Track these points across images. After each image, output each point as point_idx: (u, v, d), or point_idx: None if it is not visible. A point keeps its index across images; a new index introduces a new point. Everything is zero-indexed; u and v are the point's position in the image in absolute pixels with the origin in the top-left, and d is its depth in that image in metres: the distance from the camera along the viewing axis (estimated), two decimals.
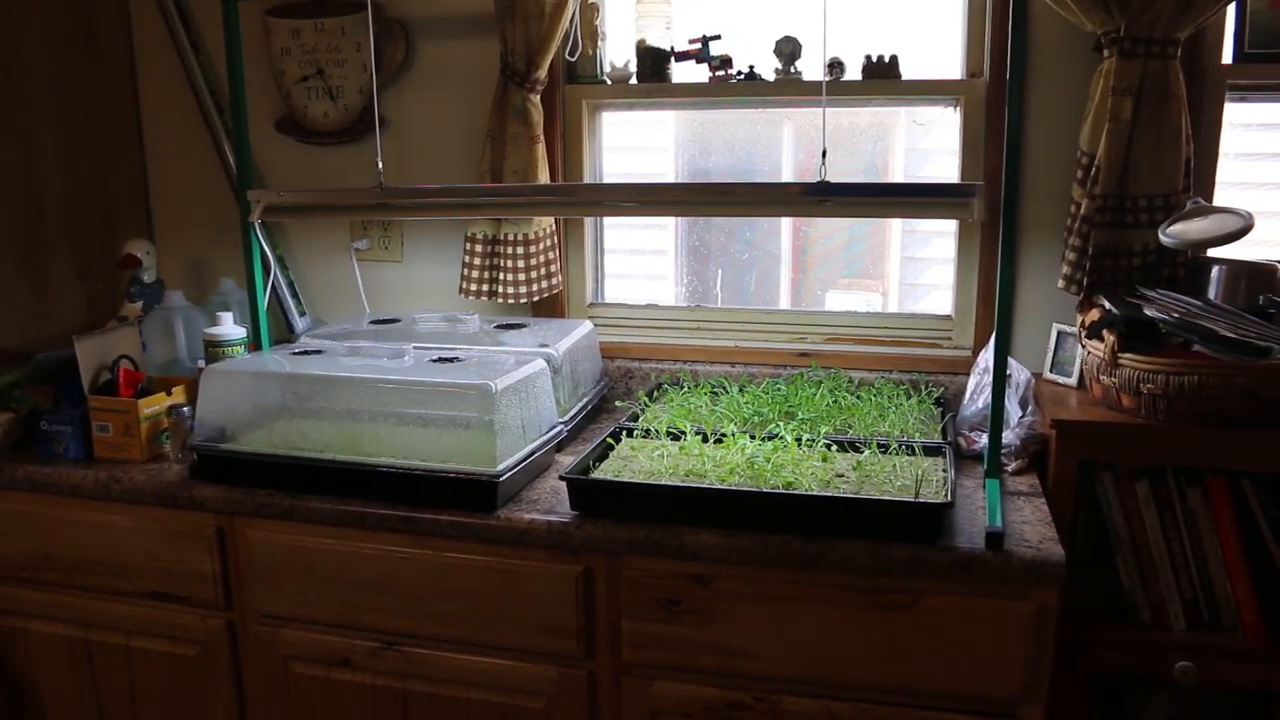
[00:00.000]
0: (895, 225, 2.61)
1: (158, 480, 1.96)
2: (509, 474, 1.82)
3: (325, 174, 2.62)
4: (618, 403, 2.37)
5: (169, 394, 2.11)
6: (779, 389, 2.23)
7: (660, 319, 2.55)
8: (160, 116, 2.73)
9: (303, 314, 2.66)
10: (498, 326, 2.30)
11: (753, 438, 1.90)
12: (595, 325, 2.45)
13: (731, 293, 2.63)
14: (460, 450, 1.83)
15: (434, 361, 2.01)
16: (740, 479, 1.77)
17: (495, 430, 1.81)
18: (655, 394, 2.33)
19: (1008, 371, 2.01)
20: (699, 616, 1.73)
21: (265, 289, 2.30)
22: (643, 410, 2.20)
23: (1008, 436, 1.98)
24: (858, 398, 2.18)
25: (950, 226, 2.40)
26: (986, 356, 2.12)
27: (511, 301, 2.42)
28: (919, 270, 2.57)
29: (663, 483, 1.76)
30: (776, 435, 1.91)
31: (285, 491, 1.90)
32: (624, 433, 2.03)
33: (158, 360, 2.39)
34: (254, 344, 2.29)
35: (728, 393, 2.24)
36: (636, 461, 1.89)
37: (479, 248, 2.41)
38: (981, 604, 1.63)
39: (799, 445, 1.89)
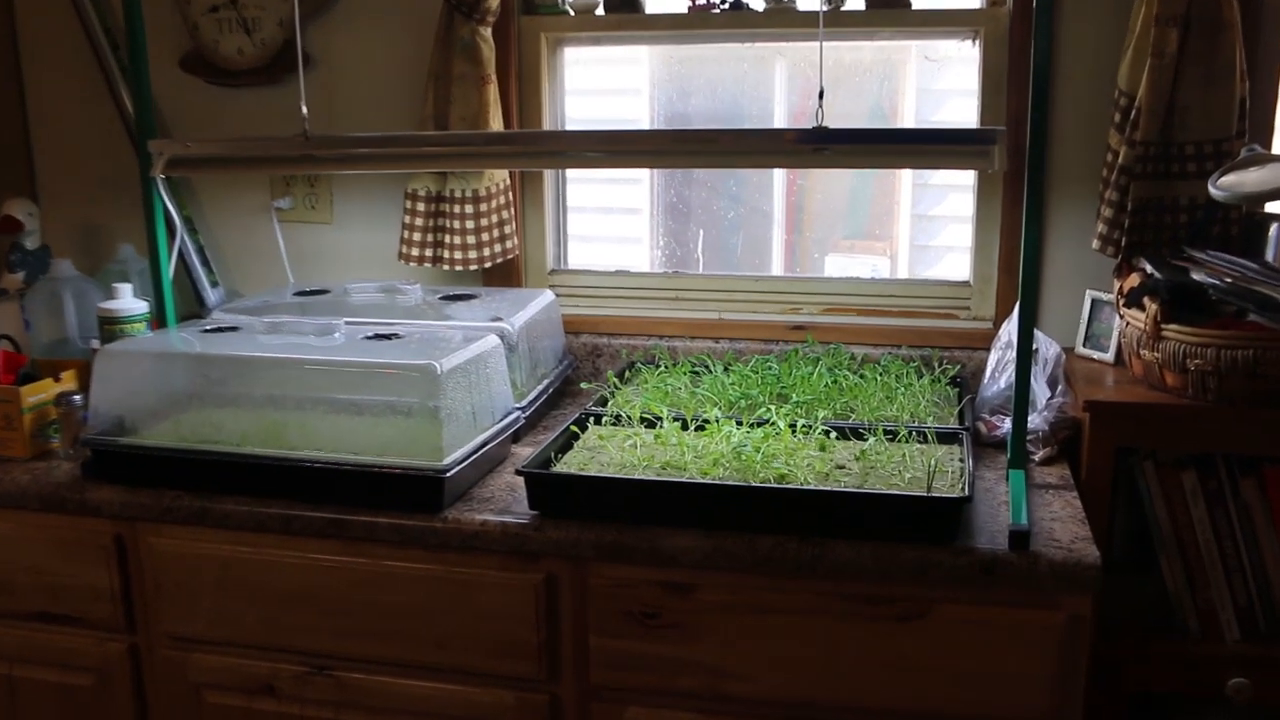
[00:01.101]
0: (905, 179, 2.62)
1: (44, 481, 1.95)
2: (457, 469, 1.81)
3: (240, 121, 2.60)
4: (584, 385, 2.37)
5: (57, 380, 2.09)
6: (770, 368, 2.23)
7: (633, 288, 2.55)
8: (42, 54, 2.69)
9: (215, 285, 2.64)
10: (444, 298, 2.30)
11: (740, 424, 1.91)
12: (557, 295, 2.45)
13: (715, 257, 2.63)
14: (400, 442, 1.83)
15: (369, 339, 2.00)
16: (725, 472, 1.77)
17: (441, 418, 1.81)
18: (627, 374, 2.33)
19: (1034, 346, 2.02)
20: (678, 631, 1.74)
21: (171, 256, 2.29)
22: (612, 393, 2.20)
23: (1034, 421, 1.99)
24: (861, 377, 2.19)
25: (968, 179, 2.41)
26: (1010, 329, 2.13)
27: (459, 269, 2.42)
28: (932, 230, 2.57)
29: (635, 477, 1.76)
30: (767, 421, 1.91)
31: (196, 492, 1.90)
32: (591, 419, 2.03)
33: (44, 340, 2.37)
34: (157, 320, 2.27)
35: (711, 372, 2.25)
36: (605, 453, 1.89)
37: (421, 206, 2.41)
38: (1004, 614, 1.64)
39: (793, 432, 1.89)
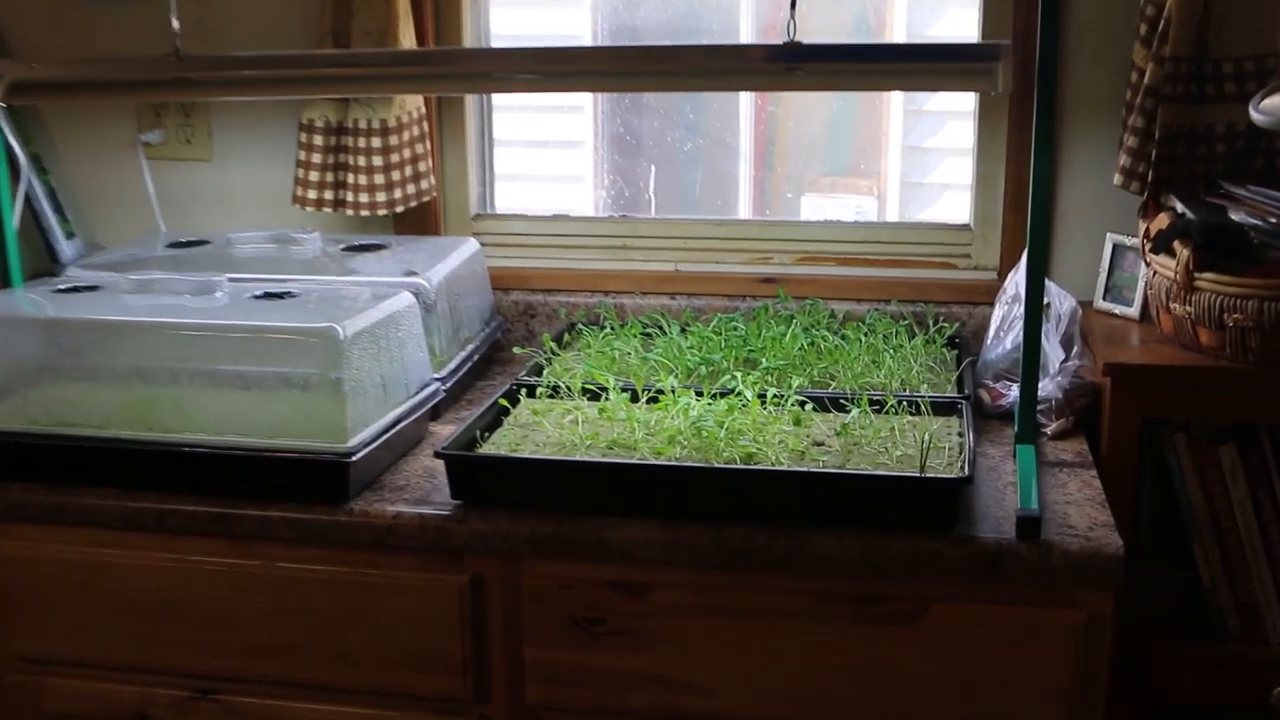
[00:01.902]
0: (895, 104, 2.62)
1: None
2: (364, 451, 1.81)
3: (98, 38, 2.57)
4: (515, 350, 2.36)
5: None
6: (735, 328, 2.24)
7: (573, 235, 2.54)
8: None
9: (70, 236, 2.61)
10: (348, 249, 2.30)
11: (700, 395, 1.91)
12: (483, 245, 2.44)
13: (670, 199, 2.63)
14: (296, 421, 1.82)
15: (258, 298, 1.99)
16: (683, 451, 1.77)
17: (344, 392, 1.80)
18: (566, 338, 2.33)
19: (1045, 300, 2.02)
20: (629, 639, 1.74)
21: (15, 202, 2.26)
22: (549, 360, 2.19)
23: (1046, 387, 2.00)
24: (843, 338, 2.19)
25: (968, 104, 2.41)
26: (1017, 280, 2.14)
27: (366, 214, 2.41)
28: (927, 164, 2.58)
29: (577, 458, 1.76)
30: (732, 391, 1.92)
31: (50, 484, 1.88)
32: (524, 391, 2.03)
33: None
34: None
35: (665, 334, 2.24)
36: (541, 430, 1.89)
37: (318, 140, 2.39)
38: (1011, 615, 1.65)
39: (763, 404, 1.89)
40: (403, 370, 1.97)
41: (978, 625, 1.65)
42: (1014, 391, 2.02)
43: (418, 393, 2.00)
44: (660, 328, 2.30)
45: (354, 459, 1.79)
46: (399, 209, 2.43)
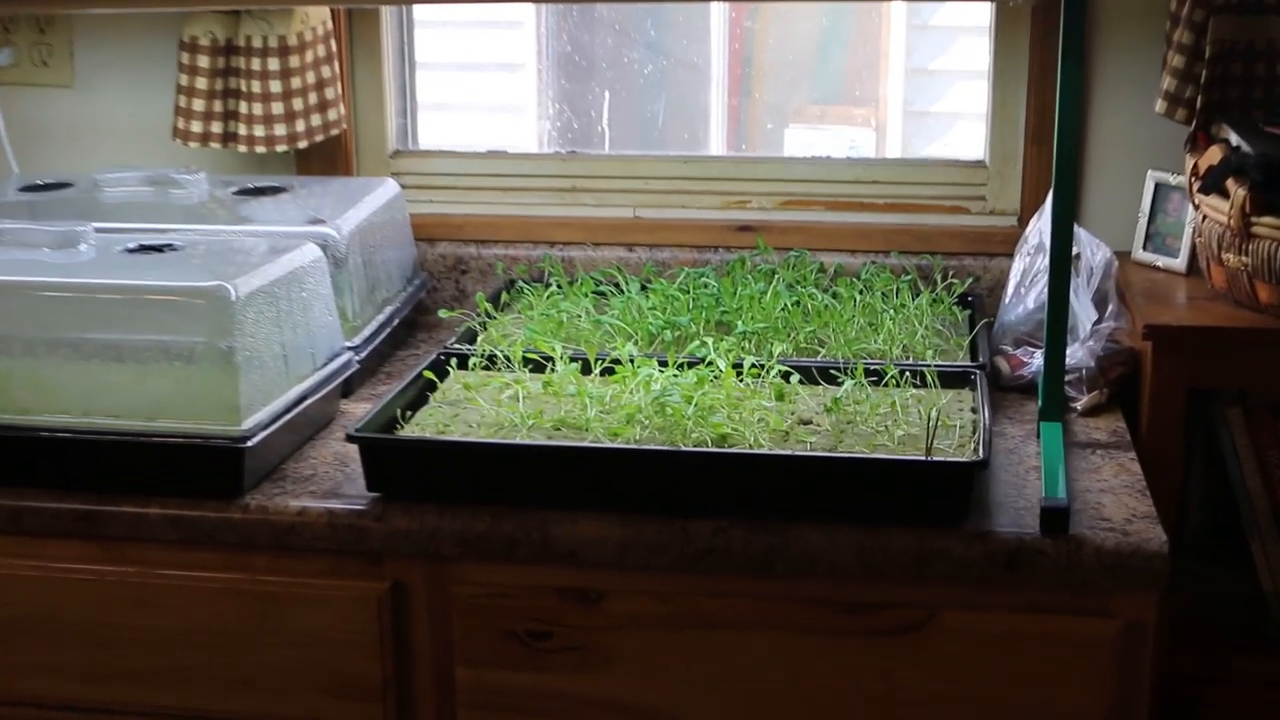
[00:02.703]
0: (896, 18, 2.61)
1: None
2: (262, 435, 1.80)
3: None
4: (443, 313, 2.33)
5: None
6: (706, 286, 2.23)
7: (512, 175, 2.54)
8: None
9: None
10: (240, 192, 2.29)
11: (664, 365, 1.90)
12: (404, 187, 2.43)
13: (629, 131, 2.62)
14: (179, 399, 1.81)
15: (131, 252, 1.98)
16: (644, 432, 1.76)
17: (237, 364, 1.79)
18: (505, 298, 2.32)
19: (1075, 250, 2.03)
20: (581, 657, 1.74)
21: None
22: (484, 325, 2.19)
23: (1076, 354, 2.00)
24: (834, 297, 2.19)
25: (982, 16, 2.41)
26: (1041, 227, 2.14)
27: (262, 150, 2.40)
28: (934, 90, 2.58)
29: (517, 441, 1.75)
30: (702, 360, 1.91)
31: None
32: (453, 362, 2.02)
33: None
34: None
35: (622, 293, 2.25)
36: (474, 409, 1.88)
37: (203, 61, 2.37)
38: (1034, 624, 1.65)
39: (739, 376, 1.89)
40: (308, 338, 1.96)
41: (994, 637, 1.66)
42: (1037, 359, 2.02)
43: (326, 364, 2.00)
44: (616, 285, 2.30)
45: (249, 444, 1.78)
46: (301, 144, 2.42)
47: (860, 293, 2.20)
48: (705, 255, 2.41)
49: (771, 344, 2.02)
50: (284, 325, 1.90)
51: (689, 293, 2.21)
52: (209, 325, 1.80)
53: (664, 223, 2.46)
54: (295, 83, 2.38)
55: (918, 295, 2.22)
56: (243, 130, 2.39)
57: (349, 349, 2.07)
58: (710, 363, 1.89)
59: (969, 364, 1.98)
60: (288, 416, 1.87)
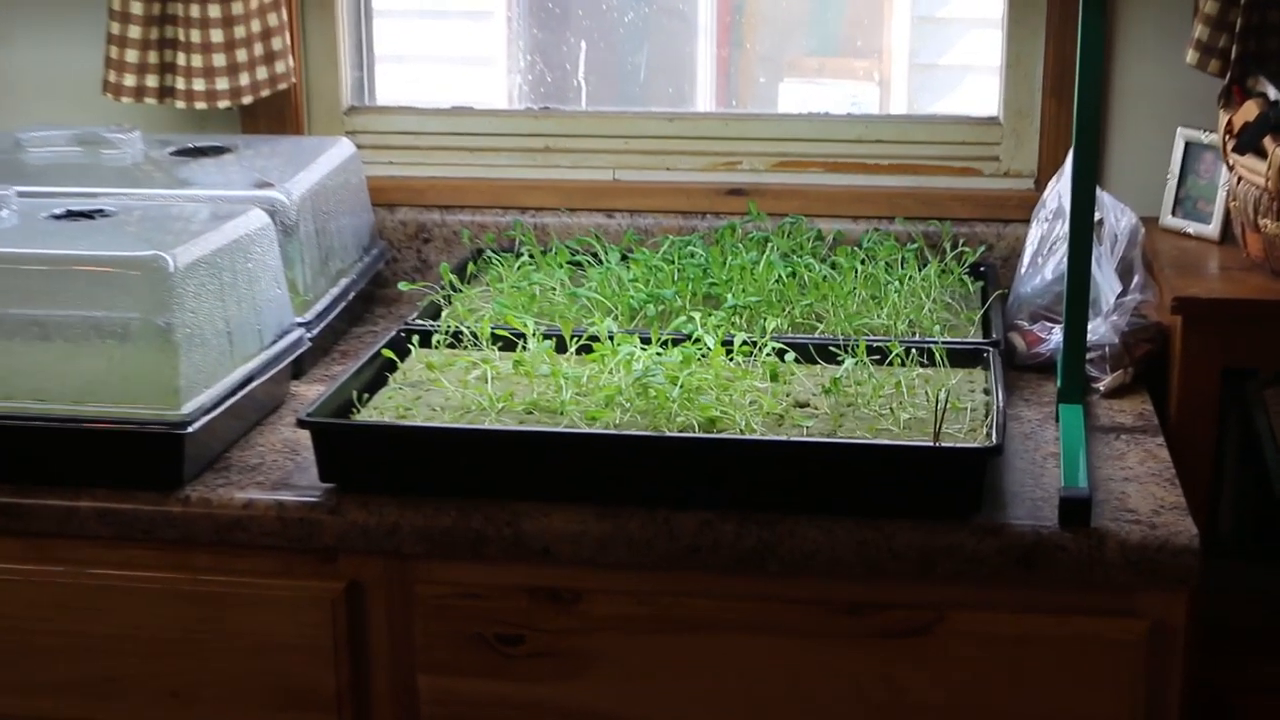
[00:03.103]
0: None
1: None
2: (204, 420, 1.80)
3: None
4: (403, 286, 2.34)
5: None
6: (693, 255, 2.23)
7: (479, 135, 2.54)
8: None
9: None
10: (179, 153, 2.29)
11: (647, 342, 1.90)
12: (359, 148, 2.43)
13: (608, 85, 2.61)
14: (113, 381, 1.80)
15: (59, 218, 1.97)
16: (625, 416, 1.76)
17: (176, 341, 1.78)
18: (471, 268, 2.32)
19: (1097, 215, 2.02)
20: (555, 663, 1.74)
21: None
22: (449, 298, 2.19)
23: (1098, 330, 2.00)
24: (833, 267, 2.19)
25: None
26: (1060, 190, 2.13)
27: (202, 106, 2.39)
28: (943, 40, 2.57)
29: (485, 427, 1.75)
30: (689, 337, 1.91)
31: None
32: (415, 339, 2.02)
33: None
34: None
35: (601, 263, 2.24)
36: (437, 391, 1.88)
37: (137, 8, 2.36)
38: (1052, 626, 1.65)
39: (729, 354, 1.88)
40: (254, 313, 1.95)
41: (1008, 640, 1.65)
42: (1056, 335, 2.02)
43: (275, 342, 1.99)
44: (594, 255, 2.29)
45: (190, 430, 1.77)
46: (246, 100, 2.41)
47: (862, 263, 2.20)
48: (691, 222, 2.41)
49: (764, 319, 2.01)
50: (228, 299, 1.89)
51: (674, 263, 2.21)
52: (144, 299, 1.79)
53: (646, 186, 2.45)
54: (239, 32, 2.36)
55: (925, 265, 2.22)
56: (181, 84, 2.37)
57: (300, 325, 2.07)
58: (697, 340, 1.89)
59: (981, 341, 1.98)
60: (232, 400, 1.86)
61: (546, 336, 1.95)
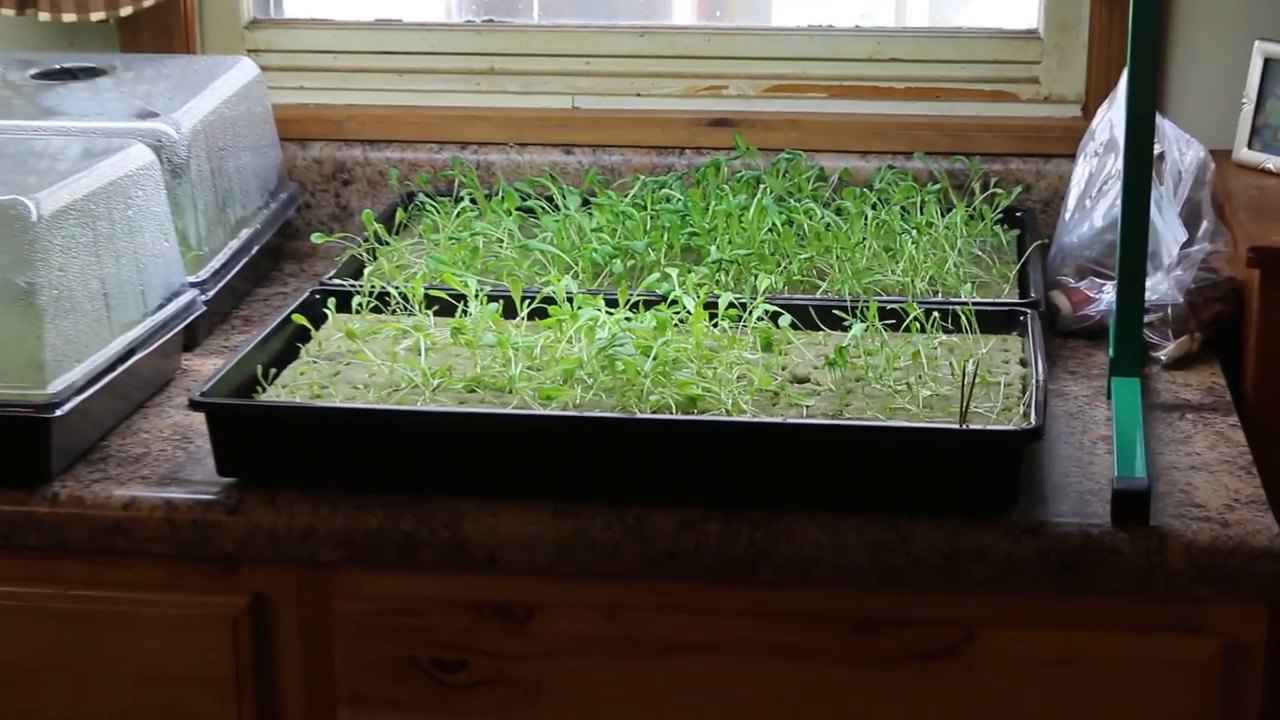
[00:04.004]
0: None
1: None
2: (76, 400, 1.80)
3: None
4: (318, 238, 2.33)
5: None
6: (669, 200, 2.24)
7: (410, 53, 2.55)
8: None
9: None
10: (42, 75, 2.29)
11: (613, 305, 1.90)
12: (264, 70, 2.43)
13: None
14: None
15: None
16: (588, 395, 1.76)
17: (39, 306, 1.78)
18: (401, 216, 2.32)
19: (1158, 148, 2.03)
20: (503, 692, 1.74)
21: None
22: (374, 253, 2.19)
23: (1160, 287, 2.00)
24: (838, 213, 2.19)
25: None
26: (1113, 118, 2.14)
27: (71, 18, 2.38)
28: None
29: (418, 408, 1.75)
30: (664, 298, 1.91)
31: None
32: (332, 302, 2.01)
33: None
34: None
35: (559, 209, 2.24)
36: (360, 365, 1.88)
37: None
38: (1103, 644, 1.65)
39: (712, 319, 1.88)
40: (136, 271, 1.95)
41: (1051, 663, 1.66)
42: (1108, 294, 2.02)
43: (162, 307, 1.99)
44: (550, 200, 2.29)
45: (58, 413, 1.77)
46: (124, 10, 2.40)
47: (873, 208, 2.20)
48: (667, 159, 2.42)
49: (755, 277, 2.01)
50: (104, 254, 1.89)
51: (646, 209, 2.21)
52: (2, 255, 1.78)
53: (613, 115, 2.46)
54: None
55: (949, 211, 2.22)
56: None
57: (192, 286, 2.07)
58: (674, 302, 1.89)
59: (1017, 301, 1.98)
60: (110, 376, 1.86)
61: (492, 299, 1.95)
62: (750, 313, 1.89)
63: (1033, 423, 1.65)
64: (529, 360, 1.82)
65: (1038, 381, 1.73)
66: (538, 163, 2.43)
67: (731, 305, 1.90)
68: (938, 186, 2.28)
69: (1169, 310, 1.99)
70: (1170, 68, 2.31)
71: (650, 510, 1.68)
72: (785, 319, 1.90)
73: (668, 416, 1.70)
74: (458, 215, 2.26)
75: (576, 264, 2.09)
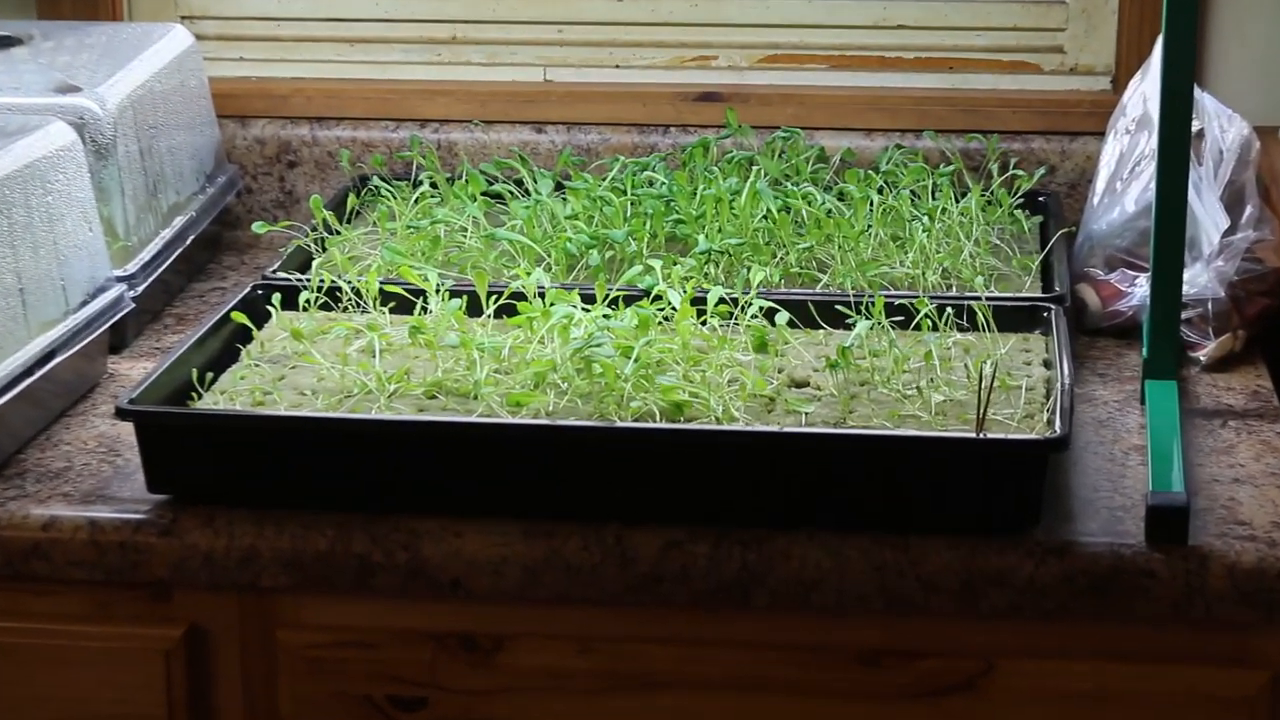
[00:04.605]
0: None
1: None
2: None
3: None
4: (260, 227, 2.33)
5: None
6: (651, 183, 2.25)
7: (362, 20, 2.56)
8: None
9: None
10: None
11: (590, 300, 1.91)
12: (199, 38, 2.44)
13: None
14: None
15: None
16: (561, 400, 1.77)
17: None
18: (353, 202, 2.33)
19: (1196, 125, 2.04)
20: None
21: None
22: (323, 243, 2.20)
23: (1199, 279, 2.02)
24: (840, 198, 2.20)
25: None
26: (1146, 91, 2.15)
27: None
28: None
29: (371, 416, 1.76)
30: (646, 293, 1.92)
31: None
32: (276, 298, 2.02)
33: None
34: None
35: (530, 194, 2.25)
36: (307, 368, 1.89)
37: None
38: (1138, 677, 1.66)
39: (700, 316, 1.90)
40: (56, 264, 1.96)
41: (1078, 698, 1.67)
42: (1142, 288, 2.03)
43: (85, 304, 2.00)
44: (519, 183, 2.30)
45: None
46: None
47: (879, 192, 2.21)
48: (650, 138, 2.43)
49: (748, 269, 2.03)
50: (19, 245, 1.90)
51: (626, 194, 2.22)
52: None
53: (589, 89, 2.47)
54: None
55: (964, 195, 2.23)
56: None
57: (120, 280, 2.08)
58: (658, 298, 1.90)
59: (1040, 296, 1.99)
60: (27, 382, 1.86)
61: (454, 294, 1.96)
62: (743, 309, 1.91)
63: (1058, 431, 1.66)
64: (496, 363, 1.83)
65: (1063, 385, 1.74)
66: (505, 142, 2.45)
67: (722, 301, 1.91)
68: (951, 168, 2.30)
69: (1209, 305, 2.00)
70: (1210, 35, 2.31)
71: (631, 529, 1.68)
72: (782, 316, 1.90)
73: (651, 425, 1.71)
74: (416, 201, 2.27)
75: (549, 255, 2.10)
